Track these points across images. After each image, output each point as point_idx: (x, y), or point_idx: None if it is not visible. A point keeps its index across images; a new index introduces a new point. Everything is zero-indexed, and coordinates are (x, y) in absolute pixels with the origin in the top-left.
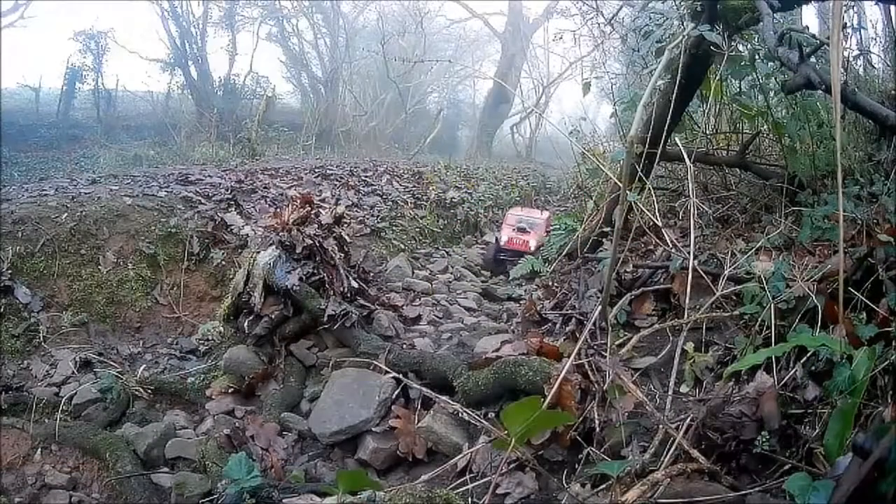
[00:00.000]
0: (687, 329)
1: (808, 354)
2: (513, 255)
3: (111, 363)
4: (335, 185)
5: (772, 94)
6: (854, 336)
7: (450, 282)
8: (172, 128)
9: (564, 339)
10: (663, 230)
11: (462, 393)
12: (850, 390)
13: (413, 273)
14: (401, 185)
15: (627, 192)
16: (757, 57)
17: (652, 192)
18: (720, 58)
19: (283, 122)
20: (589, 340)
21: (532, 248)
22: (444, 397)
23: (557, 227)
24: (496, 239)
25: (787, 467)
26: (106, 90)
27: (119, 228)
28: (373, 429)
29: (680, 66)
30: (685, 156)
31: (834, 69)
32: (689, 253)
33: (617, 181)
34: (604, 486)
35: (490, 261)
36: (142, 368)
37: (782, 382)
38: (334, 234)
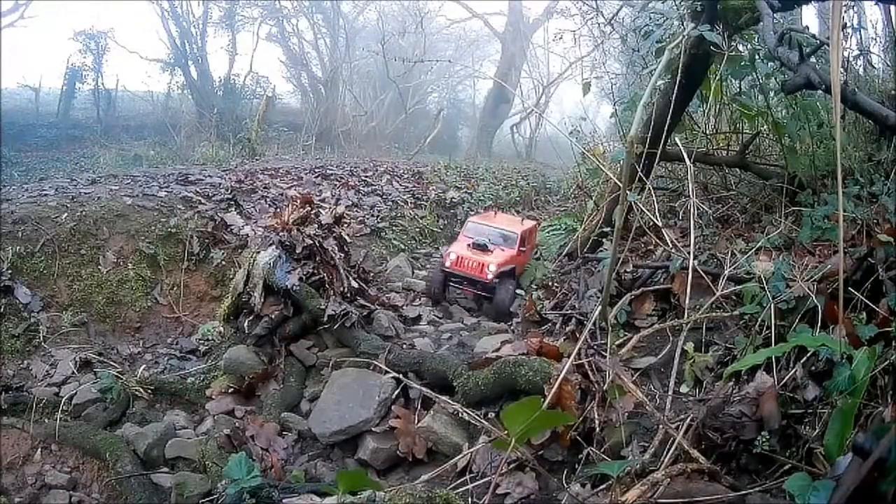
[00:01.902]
0: (687, 329)
1: (808, 354)
2: (464, 281)
3: (111, 363)
4: (335, 185)
5: (772, 94)
6: (854, 336)
7: None
8: (172, 128)
9: (564, 339)
10: (663, 230)
11: (462, 393)
12: (850, 390)
13: (413, 273)
14: (401, 185)
15: (627, 192)
16: (757, 57)
17: (652, 192)
18: (720, 58)
19: (283, 122)
20: (589, 340)
21: (489, 276)
22: (444, 397)
23: (557, 227)
24: (442, 258)
25: (787, 467)
26: (106, 90)
27: (119, 228)
28: (373, 429)
29: (680, 66)
30: (685, 156)
31: (834, 69)
32: (689, 253)
33: (617, 181)
34: (604, 486)
35: (435, 289)
36: (142, 368)
37: (782, 382)
38: (334, 234)
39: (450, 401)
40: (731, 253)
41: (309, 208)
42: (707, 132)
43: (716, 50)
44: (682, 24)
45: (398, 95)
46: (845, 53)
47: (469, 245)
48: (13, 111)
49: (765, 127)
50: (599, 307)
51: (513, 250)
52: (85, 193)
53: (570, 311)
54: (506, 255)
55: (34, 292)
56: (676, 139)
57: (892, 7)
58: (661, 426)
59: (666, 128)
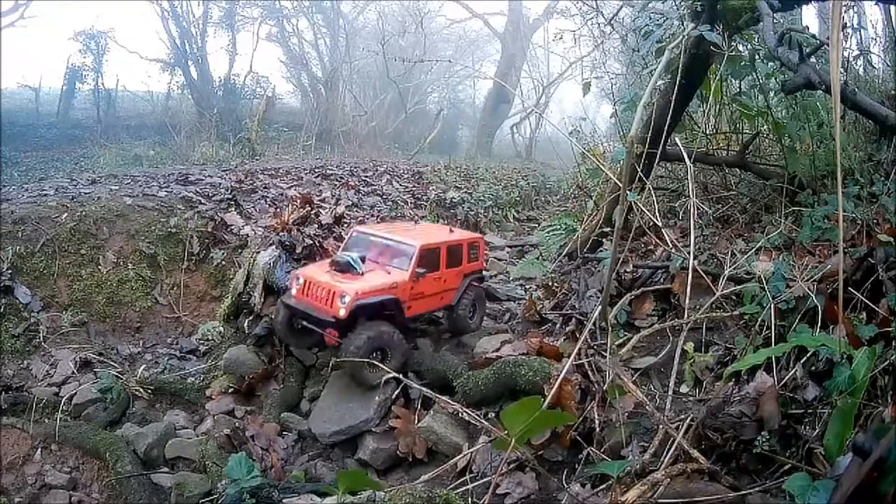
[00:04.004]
0: (687, 329)
1: (808, 354)
2: (313, 320)
3: (111, 363)
4: (335, 185)
5: (772, 94)
6: (854, 336)
7: None
8: (172, 128)
9: (564, 339)
10: (663, 230)
11: (462, 393)
12: (850, 390)
13: None
14: (401, 185)
15: (627, 192)
16: (757, 57)
17: (652, 192)
18: (720, 58)
19: (283, 122)
20: (589, 340)
21: (341, 311)
22: (444, 397)
23: (557, 227)
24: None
25: (787, 467)
26: (106, 90)
27: (119, 228)
28: (373, 429)
29: (680, 66)
30: (685, 156)
31: (834, 69)
32: (689, 253)
33: (617, 181)
34: (604, 486)
35: (283, 329)
36: (142, 368)
37: (782, 382)
38: (334, 234)
39: (450, 401)
40: (731, 253)
41: (309, 208)
42: (707, 132)
43: (716, 50)
44: (682, 24)
45: (398, 95)
46: (845, 53)
47: (329, 267)
48: (13, 111)
49: (765, 127)
50: (599, 307)
51: (403, 274)
52: (85, 193)
53: (570, 311)
54: (385, 280)
55: (34, 292)
56: (676, 139)
57: (892, 7)
58: (661, 426)
59: (666, 128)
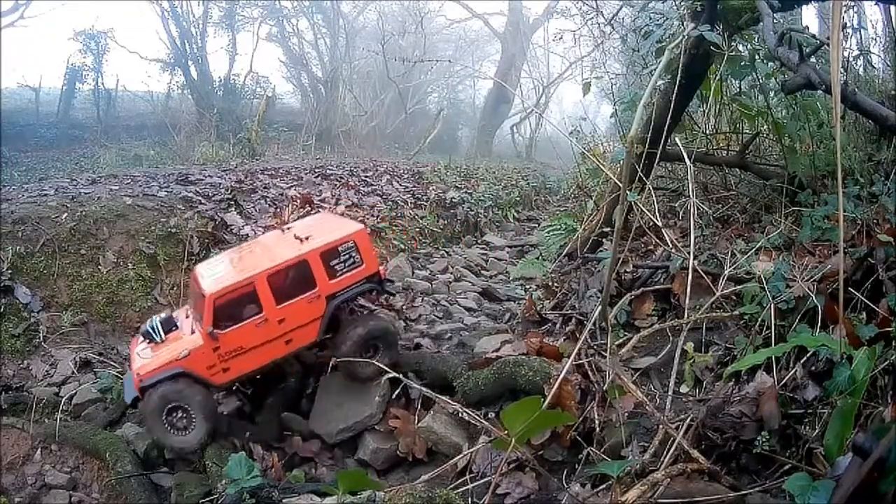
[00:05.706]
0: (687, 329)
1: (808, 354)
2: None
3: (111, 363)
4: (335, 185)
5: (772, 94)
6: (854, 336)
7: (450, 282)
8: (172, 128)
9: (564, 339)
10: (663, 230)
11: (462, 393)
12: (850, 390)
13: (413, 273)
14: (401, 185)
15: (627, 192)
16: (757, 57)
17: (652, 192)
18: (720, 58)
19: (283, 122)
20: (589, 340)
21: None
22: (444, 397)
23: (557, 227)
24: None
25: (787, 467)
26: (106, 90)
27: (119, 228)
28: (375, 427)
29: (680, 66)
30: (685, 156)
31: (834, 69)
32: (689, 253)
33: (617, 181)
34: (604, 486)
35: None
36: None
37: (782, 382)
38: None
39: (450, 401)
40: (731, 253)
41: (309, 208)
42: (707, 132)
43: (716, 50)
44: (682, 24)
45: (398, 95)
46: (845, 53)
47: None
48: (13, 111)
49: (765, 127)
50: (599, 307)
51: (196, 337)
52: (85, 193)
53: (570, 311)
54: (175, 351)
55: (34, 292)
56: (676, 139)
57: (892, 7)
58: (661, 426)
59: (666, 128)
